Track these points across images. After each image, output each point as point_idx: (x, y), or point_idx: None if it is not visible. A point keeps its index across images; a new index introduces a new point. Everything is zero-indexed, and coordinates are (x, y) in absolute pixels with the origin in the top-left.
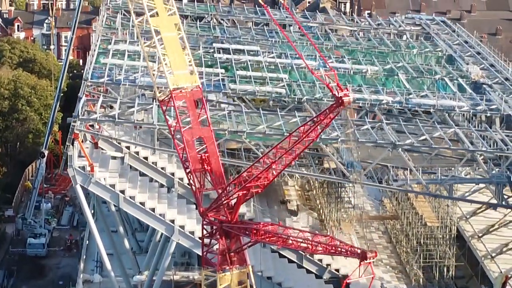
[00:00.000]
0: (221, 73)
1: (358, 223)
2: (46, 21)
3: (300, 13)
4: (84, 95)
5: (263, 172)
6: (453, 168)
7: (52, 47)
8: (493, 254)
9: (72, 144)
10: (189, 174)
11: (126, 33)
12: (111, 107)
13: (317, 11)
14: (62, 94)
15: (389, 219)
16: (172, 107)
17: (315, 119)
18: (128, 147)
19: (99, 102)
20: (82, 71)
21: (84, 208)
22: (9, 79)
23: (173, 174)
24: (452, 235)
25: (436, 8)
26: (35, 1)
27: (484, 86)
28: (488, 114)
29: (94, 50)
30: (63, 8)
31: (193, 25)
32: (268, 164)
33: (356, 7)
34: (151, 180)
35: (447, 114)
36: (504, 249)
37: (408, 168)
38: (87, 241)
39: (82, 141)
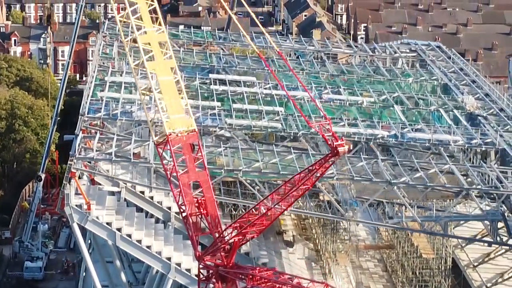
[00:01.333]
0: (218, 106)
1: (354, 253)
2: (43, 35)
3: (295, 39)
4: (81, 131)
5: (259, 219)
6: (448, 201)
7: (48, 61)
8: (488, 285)
9: (69, 182)
10: (185, 218)
11: (123, 63)
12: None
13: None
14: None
15: (385, 248)
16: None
17: (310, 167)
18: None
19: (96, 138)
20: (79, 85)
21: (81, 246)
22: (6, 99)
23: (169, 208)
24: (448, 266)
25: (432, 22)
26: (31, 13)
27: (479, 117)
28: (483, 149)
29: (91, 82)
30: (60, 22)
31: (189, 52)
32: (263, 211)
33: (352, 20)
34: (147, 213)
35: (442, 148)
36: (500, 279)
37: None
38: (84, 273)
39: (79, 177)
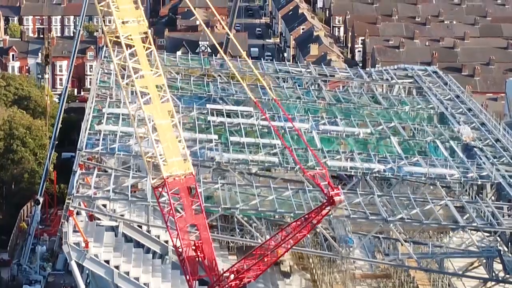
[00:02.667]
0: (215, 139)
1: (351, 282)
2: (41, 50)
3: (293, 65)
4: (79, 167)
5: (256, 264)
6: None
7: (46, 76)
8: None
9: (67, 220)
10: (182, 261)
11: (120, 93)
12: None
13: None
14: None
15: (381, 277)
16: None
17: (306, 216)
18: (122, 215)
19: (94, 175)
20: (77, 101)
21: (79, 284)
22: (4, 120)
23: (166, 241)
24: None
25: (429, 35)
26: (29, 25)
27: (475, 149)
28: (479, 183)
29: (89, 114)
30: (58, 36)
31: (187, 80)
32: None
33: (350, 33)
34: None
35: (438, 182)
36: None
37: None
38: None
39: (78, 213)
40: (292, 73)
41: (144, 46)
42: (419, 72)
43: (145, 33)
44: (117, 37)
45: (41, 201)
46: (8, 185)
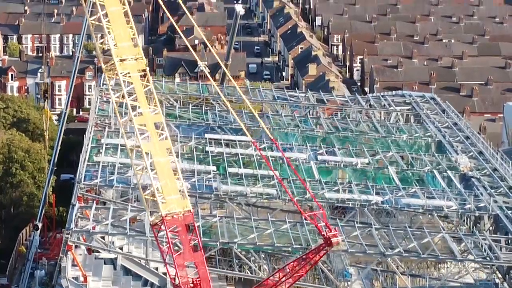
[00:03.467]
0: (213, 171)
1: None
2: (40, 70)
3: (290, 92)
4: (77, 199)
5: None
6: (442, 272)
7: (45, 107)
8: None
9: (66, 255)
10: None
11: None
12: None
13: (308, 71)
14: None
15: None
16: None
17: (304, 256)
18: (121, 248)
19: (93, 209)
20: (76, 121)
21: None
22: (3, 143)
23: (165, 274)
24: None
25: (427, 54)
26: (28, 44)
27: (472, 179)
28: (477, 214)
29: (87, 145)
30: (57, 55)
31: (185, 109)
32: None
33: (348, 52)
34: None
35: (436, 214)
36: None
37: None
38: None
39: (76, 246)
40: (291, 100)
41: (142, 84)
42: (417, 98)
43: (144, 70)
44: (116, 74)
45: (40, 227)
46: (7, 208)
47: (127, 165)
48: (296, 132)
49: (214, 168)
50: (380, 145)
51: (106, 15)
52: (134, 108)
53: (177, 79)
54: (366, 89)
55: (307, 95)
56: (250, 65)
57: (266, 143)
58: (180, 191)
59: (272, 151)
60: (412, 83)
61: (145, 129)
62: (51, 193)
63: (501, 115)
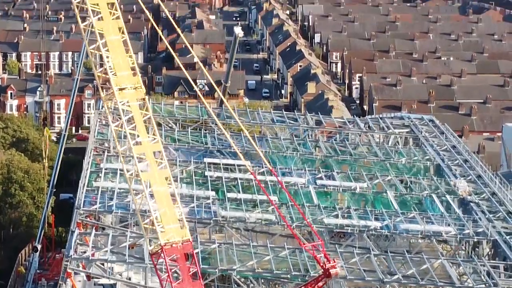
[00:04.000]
0: (212, 196)
1: None
2: (39, 88)
3: (289, 114)
4: (77, 225)
5: None
6: None
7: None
8: None
9: (65, 282)
10: None
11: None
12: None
13: (307, 89)
14: None
15: None
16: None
17: (302, 287)
18: (120, 274)
19: (92, 235)
20: (75, 139)
21: None
22: (3, 163)
23: None
24: None
25: (426, 72)
26: (28, 61)
27: (471, 203)
28: (475, 240)
29: (87, 169)
30: (56, 72)
31: (184, 132)
32: None
33: (347, 70)
34: None
35: (434, 240)
36: None
37: None
38: None
39: (76, 273)
40: (289, 123)
41: (141, 113)
42: (416, 121)
43: (143, 99)
44: (115, 103)
45: (39, 249)
46: (6, 229)
47: (126, 190)
48: (295, 156)
49: (213, 193)
50: (379, 168)
51: (105, 44)
52: (133, 136)
53: (176, 102)
54: (365, 107)
55: (305, 117)
56: (249, 82)
57: (265, 167)
58: (179, 220)
59: (271, 175)
60: (411, 101)
61: (144, 158)
62: (50, 213)
63: (500, 133)
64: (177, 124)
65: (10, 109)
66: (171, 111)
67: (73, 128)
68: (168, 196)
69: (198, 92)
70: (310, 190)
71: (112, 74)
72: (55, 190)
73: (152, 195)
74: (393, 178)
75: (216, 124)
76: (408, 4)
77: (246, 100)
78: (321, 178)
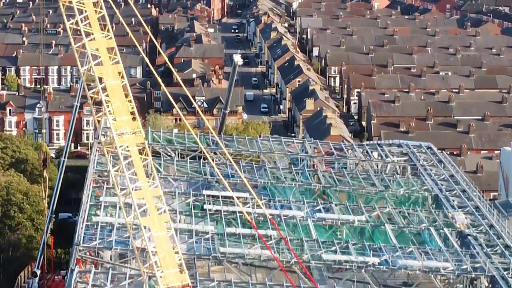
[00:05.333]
0: (211, 231)
1: None
2: (38, 105)
3: (288, 141)
4: (76, 262)
5: None
6: None
7: (44, 131)
8: None
9: None
10: None
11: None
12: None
13: (306, 106)
14: None
15: None
16: None
17: None
18: None
19: (92, 273)
20: (74, 155)
21: None
22: (2, 185)
23: None
24: None
25: (425, 87)
26: (26, 76)
27: (469, 237)
28: (473, 276)
29: (86, 203)
30: (55, 86)
31: (183, 162)
32: None
33: (345, 85)
34: None
35: (432, 276)
36: None
37: None
38: None
39: None
40: (288, 151)
41: (140, 157)
42: (414, 149)
43: (142, 143)
44: (114, 148)
45: (38, 274)
46: (5, 252)
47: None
48: (293, 187)
49: (212, 228)
50: (378, 198)
51: (104, 89)
52: (133, 181)
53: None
54: (363, 123)
55: (304, 145)
56: (247, 93)
57: (264, 199)
58: (178, 265)
59: (270, 207)
60: (409, 119)
61: (143, 202)
62: (49, 235)
63: (497, 151)
64: (176, 152)
65: (9, 125)
66: (170, 140)
67: (72, 145)
68: (168, 241)
69: (198, 110)
70: (308, 223)
71: (112, 119)
72: (54, 216)
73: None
74: (391, 210)
75: (215, 153)
76: (406, 17)
77: (245, 116)
78: (319, 211)
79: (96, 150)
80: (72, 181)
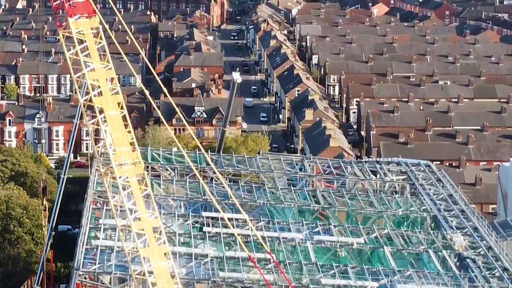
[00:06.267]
0: (210, 255)
1: None
2: (38, 115)
3: (287, 159)
4: (76, 287)
5: None
6: None
7: (43, 141)
8: None
9: None
10: None
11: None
12: None
13: (305, 116)
14: None
15: None
16: None
17: None
18: None
19: None
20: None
21: None
22: (1, 200)
23: None
24: None
25: (424, 96)
26: (26, 84)
27: (467, 259)
28: None
29: (86, 224)
30: (54, 95)
31: (182, 182)
32: None
33: (345, 94)
34: None
35: None
36: None
37: None
38: None
39: None
40: (287, 170)
41: (140, 188)
42: (413, 167)
43: (142, 174)
44: (114, 178)
45: None
46: (5, 266)
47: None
48: (292, 207)
49: (211, 251)
50: (376, 217)
51: (104, 119)
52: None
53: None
54: (363, 133)
55: (303, 163)
56: (246, 99)
57: (263, 220)
58: None
59: (269, 229)
60: (408, 129)
61: (143, 232)
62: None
63: (497, 163)
64: (175, 171)
65: (8, 135)
66: (169, 159)
67: (72, 155)
68: (167, 272)
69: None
70: (307, 246)
71: (112, 150)
72: (53, 233)
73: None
74: (390, 231)
75: (214, 172)
76: (406, 24)
77: (244, 125)
78: (318, 233)
79: (95, 169)
80: (72, 193)
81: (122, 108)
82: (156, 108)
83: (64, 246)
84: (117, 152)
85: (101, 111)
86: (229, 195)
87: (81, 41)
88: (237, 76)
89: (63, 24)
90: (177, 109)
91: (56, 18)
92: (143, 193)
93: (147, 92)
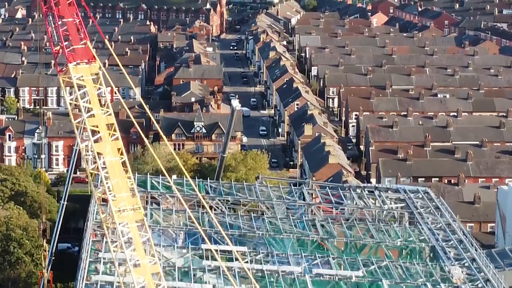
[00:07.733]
0: None
1: None
2: (37, 130)
3: (286, 188)
4: None
5: None
6: None
7: (43, 156)
8: None
9: None
10: None
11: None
12: None
13: (304, 131)
14: None
15: None
16: None
17: None
18: None
19: None
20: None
21: None
22: (1, 221)
23: None
24: None
25: (423, 110)
26: (26, 96)
27: None
28: None
29: (86, 258)
30: (54, 108)
31: (182, 211)
32: None
33: (344, 108)
34: None
35: None
36: None
37: None
38: None
39: None
40: (286, 199)
41: (136, 221)
42: (411, 194)
43: (141, 220)
44: (114, 223)
45: None
46: (4, 287)
47: (126, 284)
48: (291, 238)
49: (211, 286)
50: (375, 247)
51: (104, 165)
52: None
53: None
54: (362, 147)
55: (302, 192)
56: (244, 109)
57: (262, 252)
58: None
59: (268, 262)
60: (407, 145)
61: (142, 279)
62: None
63: (496, 179)
64: (175, 202)
65: (8, 151)
66: (169, 187)
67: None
68: None
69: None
70: (306, 279)
71: (111, 196)
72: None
73: None
74: (388, 263)
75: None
76: (405, 35)
77: (244, 139)
78: (317, 265)
79: (95, 199)
80: (72, 210)
81: (122, 154)
82: (155, 123)
83: (63, 264)
84: (116, 198)
85: (100, 156)
86: (214, 222)
87: (80, 87)
88: (236, 104)
89: (63, 69)
90: None
91: (56, 63)
92: (143, 239)
93: (146, 107)
